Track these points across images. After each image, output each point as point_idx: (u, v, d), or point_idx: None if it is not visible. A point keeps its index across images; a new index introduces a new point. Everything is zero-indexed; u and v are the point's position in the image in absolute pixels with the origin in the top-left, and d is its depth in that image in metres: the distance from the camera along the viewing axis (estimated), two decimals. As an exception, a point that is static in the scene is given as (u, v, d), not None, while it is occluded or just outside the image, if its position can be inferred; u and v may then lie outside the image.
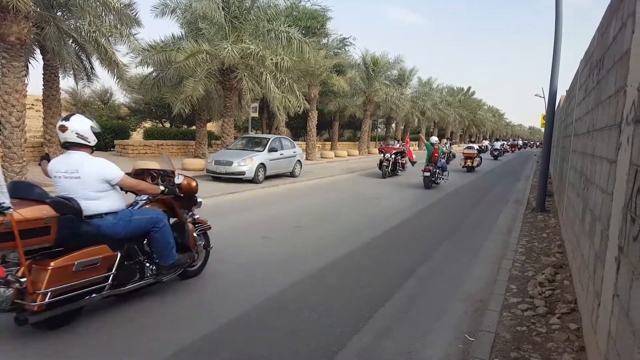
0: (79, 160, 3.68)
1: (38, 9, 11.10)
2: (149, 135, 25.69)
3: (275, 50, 16.36)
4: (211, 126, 29.01)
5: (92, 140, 3.80)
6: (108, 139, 22.33)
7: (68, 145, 3.71)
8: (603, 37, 3.81)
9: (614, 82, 3.04)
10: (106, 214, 3.74)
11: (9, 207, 2.92)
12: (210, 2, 15.40)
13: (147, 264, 4.13)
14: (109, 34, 13.09)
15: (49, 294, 3.21)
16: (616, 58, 2.99)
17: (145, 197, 4.39)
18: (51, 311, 3.29)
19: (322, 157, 25.89)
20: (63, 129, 3.64)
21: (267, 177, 14.02)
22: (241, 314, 3.99)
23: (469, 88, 62.13)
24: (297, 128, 36.37)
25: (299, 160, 15.98)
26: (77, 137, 3.68)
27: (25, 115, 10.29)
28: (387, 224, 8.21)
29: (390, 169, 16.82)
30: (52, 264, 3.26)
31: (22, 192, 3.37)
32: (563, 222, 7.17)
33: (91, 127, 3.76)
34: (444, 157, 18.18)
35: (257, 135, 17.34)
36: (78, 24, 13.11)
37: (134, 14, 13.43)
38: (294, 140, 22.02)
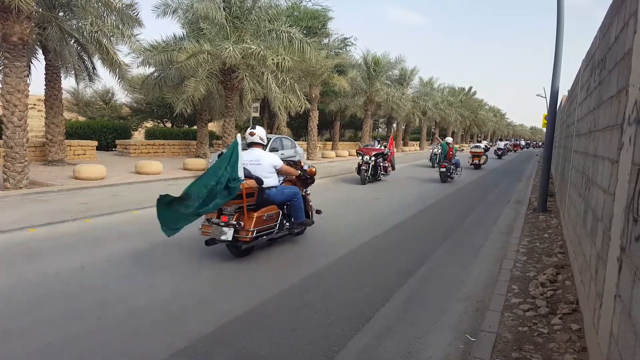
0: (259, 153, 5.87)
1: (40, 9, 11.13)
2: (150, 135, 25.74)
3: (276, 50, 16.37)
4: (212, 126, 29.07)
5: (265, 142, 6.07)
6: (110, 139, 22.39)
7: (251, 144, 5.92)
8: (605, 37, 3.80)
9: (615, 82, 3.03)
10: (271, 187, 5.78)
11: (242, 179, 5.01)
12: (212, 2, 15.42)
13: (285, 222, 6.10)
14: (111, 34, 13.13)
15: (254, 232, 5.26)
16: (618, 58, 2.99)
17: (282, 177, 6.28)
18: (253, 242, 5.42)
19: (323, 157, 25.90)
20: (252, 134, 5.90)
21: (268, 177, 14.00)
22: (241, 314, 3.99)
23: (470, 88, 62.11)
24: (298, 128, 36.40)
25: (299, 160, 15.96)
26: (259, 139, 5.93)
27: (27, 115, 10.31)
28: (388, 223, 8.21)
29: (371, 173, 14.45)
30: (255, 214, 5.35)
31: None
32: (565, 222, 7.15)
33: (265, 134, 6.01)
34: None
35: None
36: (80, 24, 13.16)
37: (136, 14, 13.48)
38: (295, 140, 22.05)
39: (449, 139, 17.09)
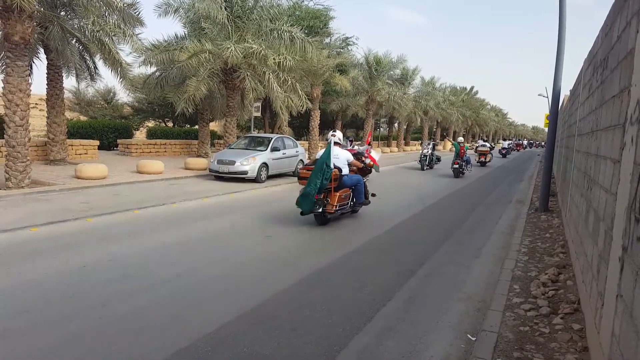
0: (338, 150, 7.95)
1: (42, 9, 11.14)
2: (151, 134, 25.76)
3: (278, 49, 16.36)
4: (214, 125, 29.09)
5: (341, 141, 8.52)
6: (111, 138, 22.41)
7: (335, 143, 7.81)
8: (607, 36, 3.79)
9: (618, 82, 3.03)
10: (345, 175, 7.81)
11: (332, 168, 7.07)
12: (213, 1, 15.41)
13: (350, 202, 8.08)
14: (113, 33, 13.15)
15: (337, 206, 7.47)
16: (620, 57, 2.98)
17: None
18: (334, 214, 7.56)
19: (324, 157, 25.83)
20: (334, 135, 8.01)
21: (269, 177, 14.04)
22: (243, 313, 3.99)
23: (472, 88, 61.97)
24: (300, 127, 36.38)
25: (301, 160, 15.98)
26: (338, 140, 8.15)
27: (29, 114, 10.32)
28: (389, 223, 8.21)
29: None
30: (337, 194, 7.52)
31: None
32: (566, 222, 7.14)
33: (342, 136, 8.64)
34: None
35: (259, 135, 17.35)
36: (82, 24, 13.17)
37: (137, 13, 13.49)
38: (297, 139, 22.03)
39: (461, 139, 19.39)
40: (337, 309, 4.18)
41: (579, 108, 6.68)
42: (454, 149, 18.72)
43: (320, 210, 7.34)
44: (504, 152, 36.71)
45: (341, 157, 7.91)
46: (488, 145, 26.89)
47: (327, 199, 7.45)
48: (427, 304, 4.48)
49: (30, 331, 3.50)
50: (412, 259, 6.01)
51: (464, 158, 18.33)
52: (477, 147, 26.88)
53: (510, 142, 44.98)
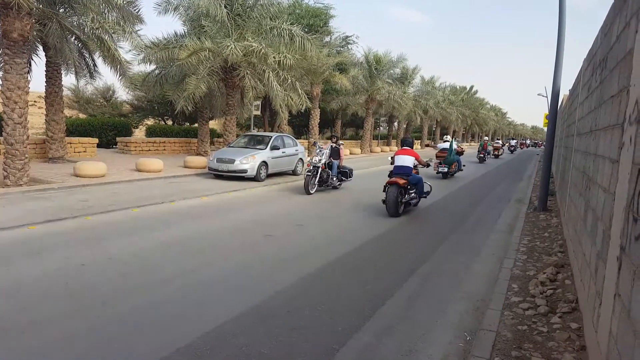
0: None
1: (41, 6, 11.11)
2: (151, 132, 25.73)
3: (277, 48, 16.35)
4: (213, 124, 29.07)
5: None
6: (110, 136, 22.39)
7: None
8: (606, 36, 3.80)
9: (617, 82, 3.03)
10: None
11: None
12: (213, -1, 15.40)
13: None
14: (112, 30, 13.11)
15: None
16: (619, 58, 2.98)
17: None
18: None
19: (324, 156, 25.84)
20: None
21: (269, 175, 14.03)
22: (242, 311, 4.00)
23: (472, 87, 62.00)
24: (300, 126, 36.39)
25: (301, 159, 15.98)
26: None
27: (27, 112, 10.30)
28: (387, 224, 8.22)
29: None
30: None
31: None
32: (565, 221, 7.15)
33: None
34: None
35: (259, 133, 17.34)
36: (81, 21, 13.13)
37: (137, 11, 13.45)
38: (297, 138, 22.01)
39: (486, 138, 25.46)
40: (336, 308, 4.18)
41: (578, 108, 6.69)
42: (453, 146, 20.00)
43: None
44: (512, 149, 45.84)
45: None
46: (501, 142, 38.42)
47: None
48: (427, 302, 4.49)
49: (29, 329, 3.50)
50: (412, 258, 6.02)
51: (487, 150, 27.68)
52: (493, 144, 35.79)
53: (516, 141, 54.05)
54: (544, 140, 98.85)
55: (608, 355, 2.41)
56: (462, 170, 17.62)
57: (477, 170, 20.56)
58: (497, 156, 33.02)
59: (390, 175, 9.15)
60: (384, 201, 8.79)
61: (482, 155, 26.46)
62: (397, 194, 8.65)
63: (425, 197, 9.88)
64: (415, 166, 9.45)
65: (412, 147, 9.81)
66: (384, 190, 8.94)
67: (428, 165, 10.06)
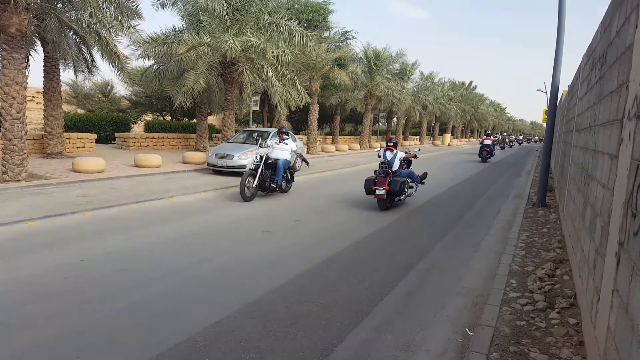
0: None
1: (38, 1, 11.04)
2: (149, 128, 25.66)
3: (276, 43, 16.28)
4: (212, 119, 28.99)
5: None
6: (109, 132, 22.33)
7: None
8: (606, 31, 3.79)
9: (616, 77, 3.02)
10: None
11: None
12: (212, -6, 15.30)
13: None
14: (110, 25, 13.02)
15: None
16: (619, 53, 2.97)
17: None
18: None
19: (323, 151, 25.86)
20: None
21: (267, 171, 14.00)
22: (241, 307, 4.00)
23: (471, 82, 61.92)
24: (299, 122, 36.31)
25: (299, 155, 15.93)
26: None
27: (25, 107, 10.26)
28: (387, 219, 8.22)
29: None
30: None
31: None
32: (563, 217, 7.16)
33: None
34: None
35: (258, 129, 17.31)
36: (79, 16, 13.04)
37: (135, 5, 13.37)
38: (295, 134, 22.00)
39: (505, 134, 33.79)
40: (335, 304, 4.19)
41: (577, 103, 6.68)
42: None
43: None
44: (520, 142, 59.06)
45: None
46: (514, 136, 54.15)
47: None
48: (426, 298, 4.50)
49: (27, 325, 3.50)
50: (410, 253, 6.03)
51: (505, 142, 41.97)
52: (507, 137, 48.90)
53: (523, 136, 67.51)
54: (531, 135, 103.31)
55: (606, 351, 2.42)
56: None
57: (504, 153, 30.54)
58: (511, 146, 48.36)
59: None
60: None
61: (502, 146, 39.80)
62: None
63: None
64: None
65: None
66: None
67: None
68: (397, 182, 8.78)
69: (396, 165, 9.29)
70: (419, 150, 12.09)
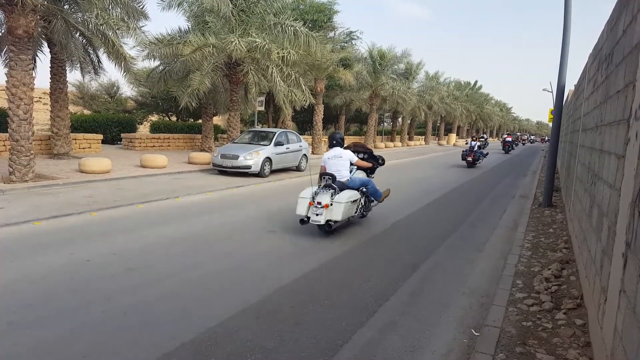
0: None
1: (45, 2, 11.13)
2: (155, 128, 25.78)
3: (281, 43, 16.30)
4: (217, 120, 29.10)
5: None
6: (115, 132, 22.45)
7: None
8: (612, 30, 3.76)
9: (623, 77, 3.01)
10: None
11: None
12: (217, -5, 15.35)
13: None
14: (116, 27, 13.10)
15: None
16: (626, 52, 2.96)
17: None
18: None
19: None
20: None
21: (273, 171, 14.04)
22: (246, 307, 4.01)
23: (476, 82, 61.69)
24: (303, 122, 36.34)
25: (304, 154, 15.98)
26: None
27: (32, 108, 10.33)
28: (394, 217, 8.21)
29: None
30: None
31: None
32: (570, 217, 7.12)
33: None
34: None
35: (263, 129, 17.34)
36: (85, 17, 13.13)
37: (141, 6, 13.43)
38: (300, 134, 22.01)
39: (518, 134, 41.35)
40: (340, 304, 4.19)
41: (583, 103, 6.64)
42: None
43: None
44: (530, 142, 68.81)
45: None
46: (526, 135, 66.53)
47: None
48: (431, 298, 4.49)
49: (34, 325, 3.53)
50: (416, 253, 6.01)
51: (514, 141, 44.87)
52: (521, 137, 57.67)
53: (534, 136, 69.73)
54: (530, 133, 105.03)
55: (613, 352, 2.40)
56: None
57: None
58: (524, 143, 59.24)
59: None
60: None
61: (517, 142, 48.18)
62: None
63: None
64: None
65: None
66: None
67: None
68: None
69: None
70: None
